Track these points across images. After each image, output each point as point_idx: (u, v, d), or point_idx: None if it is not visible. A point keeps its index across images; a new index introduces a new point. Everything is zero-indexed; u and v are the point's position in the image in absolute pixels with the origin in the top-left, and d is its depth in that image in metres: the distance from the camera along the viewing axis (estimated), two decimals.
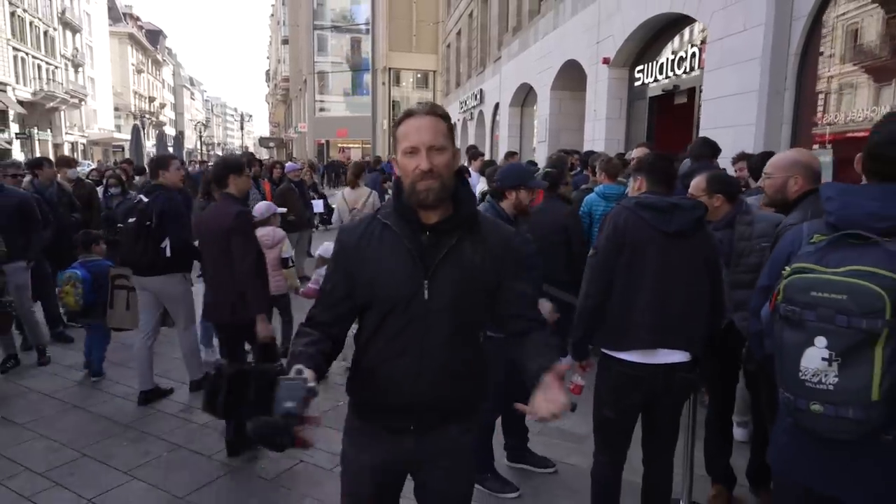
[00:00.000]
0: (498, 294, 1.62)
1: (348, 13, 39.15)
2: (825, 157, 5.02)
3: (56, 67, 41.27)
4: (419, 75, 38.11)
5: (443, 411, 1.59)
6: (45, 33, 40.06)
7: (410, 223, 1.54)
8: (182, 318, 4.26)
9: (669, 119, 8.75)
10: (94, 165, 5.89)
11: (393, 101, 36.76)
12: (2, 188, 4.82)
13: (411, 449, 1.63)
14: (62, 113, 41.83)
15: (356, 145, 37.73)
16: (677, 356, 2.39)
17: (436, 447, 1.63)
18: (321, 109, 39.60)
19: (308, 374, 1.37)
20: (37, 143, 36.00)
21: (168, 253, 4.01)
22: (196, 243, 4.04)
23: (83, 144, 45.16)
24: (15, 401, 4.27)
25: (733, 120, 6.00)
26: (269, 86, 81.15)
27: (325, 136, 38.32)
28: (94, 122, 49.07)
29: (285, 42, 50.48)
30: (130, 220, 4.04)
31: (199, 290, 4.02)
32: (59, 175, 6.07)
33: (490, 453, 3.22)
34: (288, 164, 8.60)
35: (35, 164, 5.75)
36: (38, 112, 37.55)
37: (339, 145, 38.07)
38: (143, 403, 4.20)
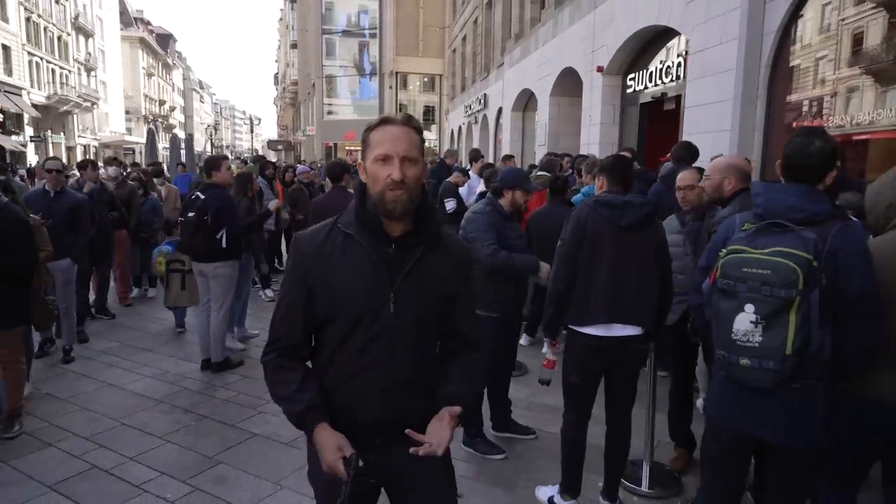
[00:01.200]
0: (451, 309, 1.62)
1: (356, 18, 39.67)
2: None
3: (69, 71, 41.90)
4: (426, 79, 38.49)
5: (407, 425, 1.47)
6: (59, 38, 40.73)
7: (375, 234, 1.50)
8: (221, 300, 4.82)
9: (659, 124, 9.18)
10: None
11: (400, 105, 37.22)
12: (63, 191, 5.10)
13: (378, 463, 1.56)
14: (75, 116, 42.51)
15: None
16: (630, 330, 2.80)
17: (402, 460, 1.50)
18: (329, 112, 40.04)
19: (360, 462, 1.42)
20: (50, 145, 36.69)
21: (224, 244, 4.61)
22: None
23: (95, 147, 45.78)
24: (55, 380, 4.75)
25: (712, 126, 6.45)
26: (277, 89, 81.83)
27: (332, 138, 38.73)
28: (106, 125, 49.73)
29: (294, 46, 51.03)
30: (190, 214, 4.64)
31: None
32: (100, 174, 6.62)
33: (480, 420, 3.68)
34: (299, 167, 9.09)
35: (81, 166, 6.31)
36: (52, 115, 38.18)
37: (347, 148, 38.51)
38: (204, 369, 4.95)
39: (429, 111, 38.61)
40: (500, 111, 18.41)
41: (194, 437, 3.83)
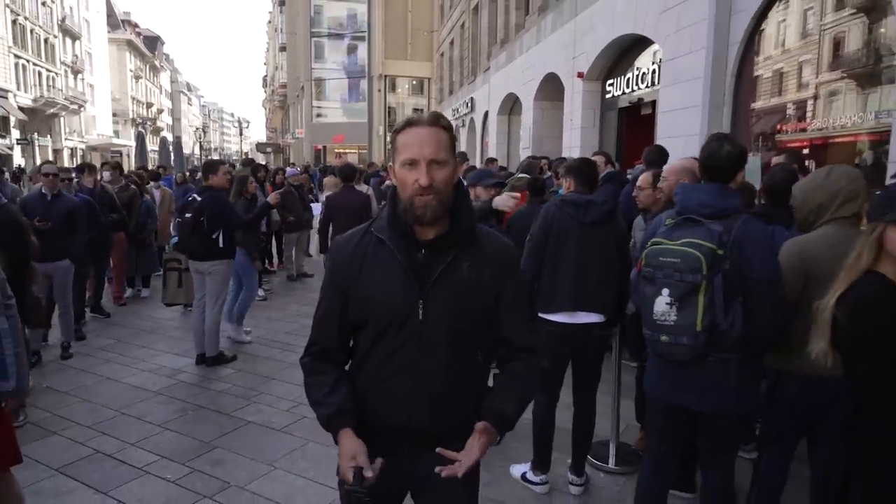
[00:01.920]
0: (493, 313, 1.55)
1: (345, 21, 39.85)
2: (755, 162, 5.83)
3: (56, 74, 41.75)
4: (414, 82, 38.74)
5: (437, 433, 1.47)
6: (46, 41, 40.57)
7: (405, 239, 1.47)
8: (216, 297, 5.09)
9: (636, 128, 9.52)
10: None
11: (389, 108, 37.45)
12: (60, 194, 5.19)
13: (406, 471, 1.55)
14: (62, 119, 42.35)
15: (353, 151, 38.31)
16: (594, 317, 3.08)
17: (427, 471, 1.47)
18: (318, 115, 40.15)
19: (368, 473, 1.37)
20: (37, 148, 36.52)
21: (221, 243, 4.90)
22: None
23: (82, 150, 45.58)
24: (54, 375, 4.93)
25: (682, 130, 6.78)
26: (266, 91, 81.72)
27: (322, 141, 38.84)
28: (93, 128, 49.53)
29: (283, 49, 51.08)
30: (187, 215, 4.91)
31: None
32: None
33: None
34: (288, 170, 9.33)
35: (80, 169, 6.53)
36: (39, 118, 38.02)
37: (336, 150, 38.63)
38: (199, 364, 5.15)
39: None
40: (486, 115, 18.75)
41: (191, 424, 4.07)
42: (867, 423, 1.80)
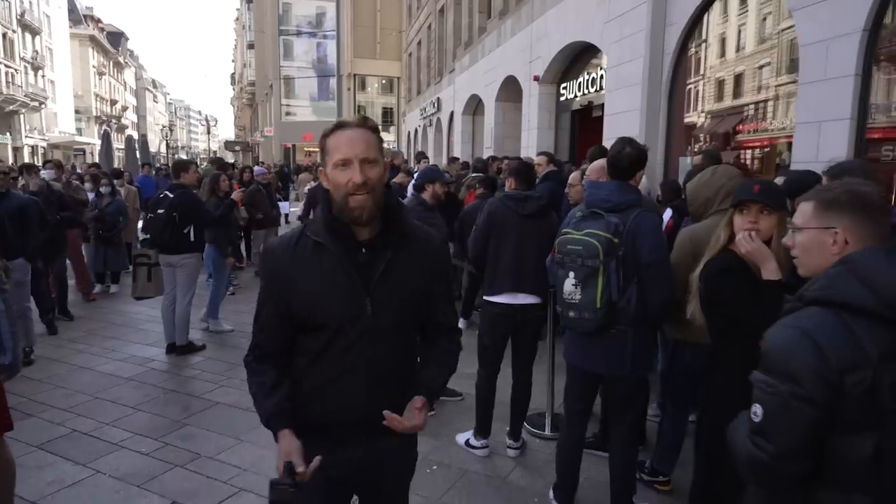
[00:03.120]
0: (427, 299, 1.65)
1: (313, 19, 39.76)
2: (687, 162, 6.39)
3: (15, 70, 40.68)
4: (384, 81, 38.88)
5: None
6: (4, 35, 39.48)
7: (345, 240, 1.51)
8: (186, 288, 5.42)
9: (588, 129, 10.01)
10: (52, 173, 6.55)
11: (358, 106, 37.53)
12: (8, 192, 5.05)
13: (360, 459, 1.61)
14: (22, 116, 41.28)
15: None
16: (531, 299, 3.48)
17: (382, 455, 1.63)
18: (287, 114, 39.99)
19: (300, 468, 1.42)
20: None
21: (192, 237, 5.26)
22: None
23: (43, 148, 44.51)
24: (28, 366, 5.04)
25: (625, 132, 7.23)
26: (234, 89, 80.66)
27: (291, 140, 38.68)
28: (55, 126, 48.32)
29: (251, 47, 50.65)
30: (160, 211, 5.21)
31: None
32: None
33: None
34: (256, 168, 9.57)
35: (21, 171, 6.57)
36: None
37: (306, 149, 38.51)
38: (169, 353, 5.46)
39: (387, 113, 38.99)
40: (452, 114, 19.14)
41: (163, 405, 4.38)
42: (714, 370, 2.27)
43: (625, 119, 7.41)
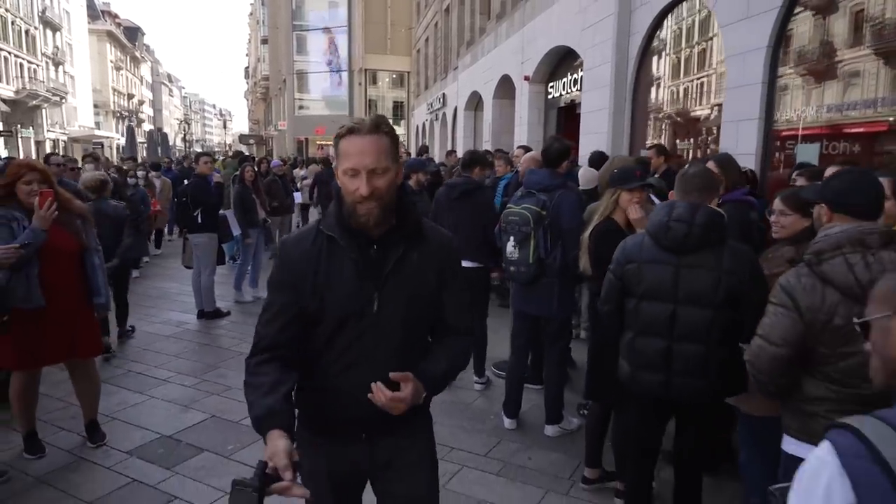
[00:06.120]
0: (438, 299, 1.64)
1: (327, 15, 40.52)
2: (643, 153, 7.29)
3: (38, 66, 41.73)
4: (395, 76, 39.58)
5: (393, 419, 1.50)
6: (27, 32, 40.53)
7: (356, 236, 1.53)
8: (205, 263, 6.44)
9: (572, 125, 10.81)
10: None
11: (370, 100, 38.31)
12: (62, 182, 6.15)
13: (364, 458, 1.63)
14: (44, 110, 42.41)
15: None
16: (470, 263, 4.25)
17: (387, 454, 1.63)
18: (300, 108, 40.72)
19: (286, 474, 1.29)
20: (20, 140, 36.91)
21: (200, 220, 6.28)
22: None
23: (64, 141, 45.72)
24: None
25: (596, 129, 8.21)
26: (248, 83, 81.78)
27: (304, 133, 39.41)
28: (75, 120, 49.45)
29: (265, 42, 51.46)
30: (184, 198, 6.30)
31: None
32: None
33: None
34: (273, 161, 10.58)
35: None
36: (21, 110, 38.03)
37: (318, 143, 39.25)
38: (200, 318, 6.46)
39: (398, 107, 39.69)
40: (455, 110, 19.96)
41: (199, 355, 5.42)
42: (593, 298, 3.23)
43: (596, 117, 8.32)
